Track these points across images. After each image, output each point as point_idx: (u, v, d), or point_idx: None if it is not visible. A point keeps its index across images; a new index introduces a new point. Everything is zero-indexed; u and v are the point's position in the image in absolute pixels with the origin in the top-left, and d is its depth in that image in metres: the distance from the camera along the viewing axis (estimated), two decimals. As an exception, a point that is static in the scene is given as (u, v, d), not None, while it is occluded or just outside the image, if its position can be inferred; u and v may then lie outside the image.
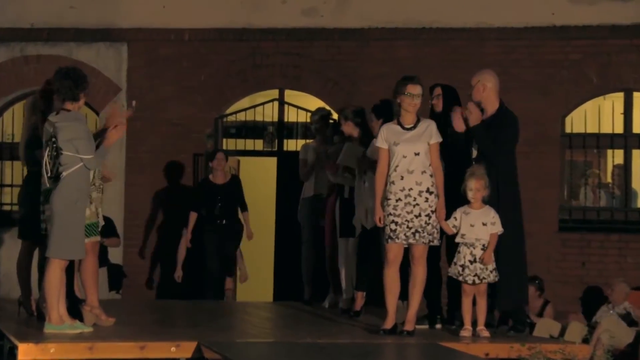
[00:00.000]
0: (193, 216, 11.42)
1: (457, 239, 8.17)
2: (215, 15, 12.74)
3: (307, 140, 11.83)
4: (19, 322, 8.52)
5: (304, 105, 12.66)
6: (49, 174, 7.72)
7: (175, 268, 11.75)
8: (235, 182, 11.49)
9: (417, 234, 8.03)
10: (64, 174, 7.62)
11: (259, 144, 13.03)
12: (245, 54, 12.75)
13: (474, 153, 8.48)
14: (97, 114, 12.76)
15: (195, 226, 11.44)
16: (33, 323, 8.34)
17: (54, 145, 7.67)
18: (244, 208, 11.45)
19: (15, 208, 12.62)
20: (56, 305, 7.65)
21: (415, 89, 8.10)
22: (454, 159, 8.43)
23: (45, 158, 7.74)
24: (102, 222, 8.24)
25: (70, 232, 7.59)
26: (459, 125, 8.52)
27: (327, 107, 11.78)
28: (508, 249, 8.29)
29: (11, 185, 13.02)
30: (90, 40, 12.88)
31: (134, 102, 12.85)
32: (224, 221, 11.29)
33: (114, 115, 8.25)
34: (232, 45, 12.76)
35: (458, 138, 8.52)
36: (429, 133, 8.12)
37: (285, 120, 12.94)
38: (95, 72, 12.64)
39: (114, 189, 12.51)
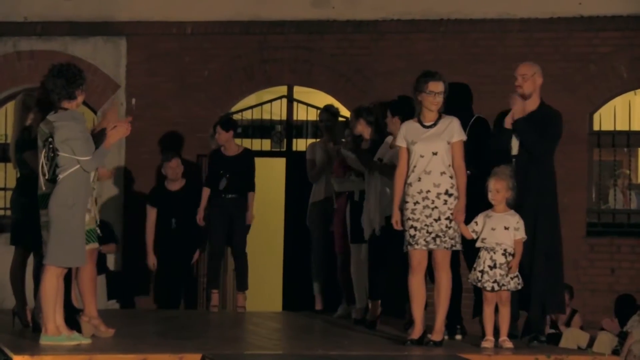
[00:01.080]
0: (206, 192, 11.21)
1: (478, 244, 8.20)
2: (220, 7, 12.79)
3: (315, 140, 11.88)
4: (14, 333, 8.58)
5: (314, 102, 12.70)
6: (46, 176, 7.77)
7: (147, 256, 11.55)
8: (246, 156, 11.30)
9: (437, 239, 8.09)
10: (61, 176, 7.66)
11: (266, 144, 13.07)
12: (252, 49, 12.81)
13: (514, 150, 8.53)
14: (95, 112, 12.83)
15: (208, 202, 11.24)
16: (28, 334, 8.39)
17: (50, 146, 7.73)
18: (251, 187, 11.21)
19: (9, 213, 12.73)
20: (52, 316, 7.69)
21: (437, 87, 8.15)
22: (492, 159, 8.46)
23: (42, 159, 7.79)
24: (98, 230, 8.27)
25: (68, 238, 7.63)
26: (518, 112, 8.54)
27: (338, 105, 11.84)
28: (545, 254, 8.34)
29: (4, 189, 13.10)
30: (86, 34, 12.95)
31: (133, 100, 12.92)
32: (229, 195, 11.10)
33: (111, 117, 8.25)
34: (238, 39, 12.81)
35: (501, 136, 8.55)
36: (450, 131, 8.16)
37: (295, 118, 12.98)
38: (92, 69, 12.71)
39: (113, 192, 12.58)
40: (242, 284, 11.33)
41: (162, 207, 11.57)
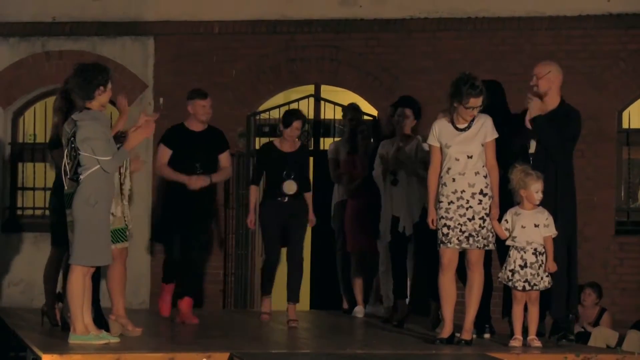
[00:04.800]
0: (255, 191, 9.88)
1: (508, 242, 8.18)
2: (247, 7, 12.82)
3: (335, 138, 11.85)
4: (43, 332, 8.64)
5: (341, 101, 12.70)
6: (67, 175, 7.79)
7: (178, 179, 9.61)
8: (304, 152, 9.99)
9: (470, 238, 8.09)
10: (82, 176, 7.65)
11: (294, 143, 13.05)
12: (279, 48, 12.82)
13: (531, 148, 8.50)
14: (123, 112, 12.88)
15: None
16: (57, 333, 8.44)
17: (72, 145, 7.74)
18: (308, 187, 9.83)
19: (38, 212, 12.82)
20: (80, 315, 7.72)
21: (477, 102, 8.09)
22: (510, 156, 8.44)
23: (65, 158, 7.82)
24: (130, 225, 8.29)
25: (92, 236, 7.63)
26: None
27: (365, 103, 11.84)
28: (562, 253, 8.30)
29: (33, 189, 13.16)
30: (114, 34, 13.01)
31: (161, 100, 12.97)
32: (286, 199, 9.62)
33: (124, 109, 8.19)
34: (265, 38, 12.83)
35: (516, 136, 8.53)
36: (484, 132, 8.15)
37: (322, 117, 12.99)
38: (120, 68, 12.76)
39: (141, 192, 12.62)
40: (294, 294, 9.75)
41: (181, 148, 9.74)
